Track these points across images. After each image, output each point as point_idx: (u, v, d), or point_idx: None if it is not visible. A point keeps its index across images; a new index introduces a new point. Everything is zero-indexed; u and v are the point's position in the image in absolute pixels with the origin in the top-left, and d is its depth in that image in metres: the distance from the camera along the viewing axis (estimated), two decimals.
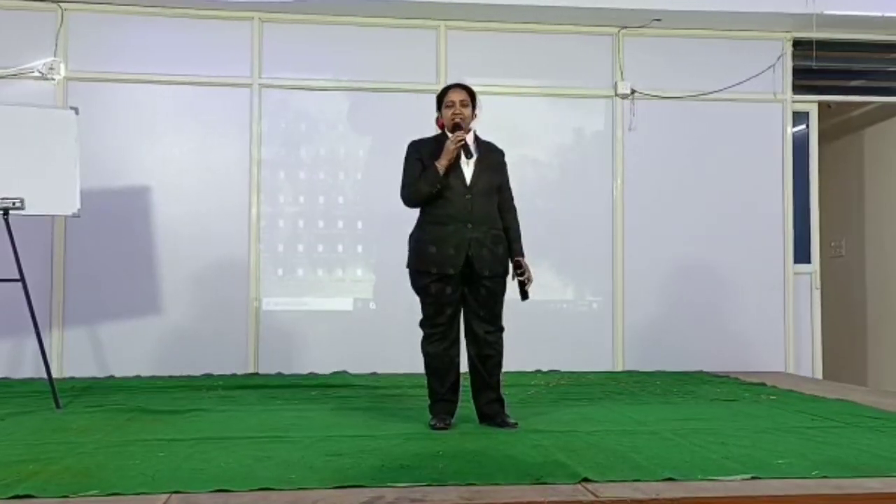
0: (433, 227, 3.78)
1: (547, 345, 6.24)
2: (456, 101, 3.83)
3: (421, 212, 3.88)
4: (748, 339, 6.49)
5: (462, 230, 3.74)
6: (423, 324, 3.88)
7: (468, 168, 3.81)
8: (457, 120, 3.80)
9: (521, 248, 3.94)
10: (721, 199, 6.52)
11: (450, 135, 3.80)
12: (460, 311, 3.86)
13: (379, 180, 6.23)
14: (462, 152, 3.77)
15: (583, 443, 3.41)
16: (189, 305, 6.06)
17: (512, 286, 3.89)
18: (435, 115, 3.97)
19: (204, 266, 6.08)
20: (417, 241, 3.84)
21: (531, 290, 3.90)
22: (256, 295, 6.15)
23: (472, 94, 3.89)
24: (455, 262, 3.72)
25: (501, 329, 3.89)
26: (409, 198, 3.85)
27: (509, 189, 3.99)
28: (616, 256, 6.45)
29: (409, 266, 3.89)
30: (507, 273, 3.89)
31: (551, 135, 6.52)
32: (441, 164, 3.73)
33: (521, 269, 3.87)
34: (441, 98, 3.92)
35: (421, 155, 3.83)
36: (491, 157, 3.90)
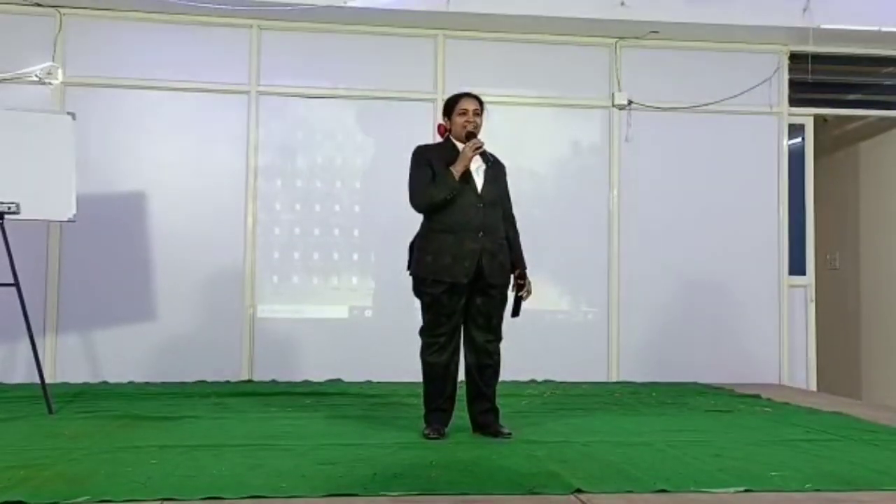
0: (444, 236, 3.74)
1: (542, 355, 6.23)
2: (469, 109, 3.85)
3: (427, 219, 3.84)
4: (743, 351, 6.49)
5: (476, 240, 3.72)
6: (423, 333, 3.85)
7: (479, 178, 3.81)
8: (469, 128, 3.82)
9: (523, 260, 3.95)
10: (716, 211, 6.53)
11: (457, 143, 3.82)
12: (461, 322, 3.85)
13: (376, 189, 6.24)
14: (480, 158, 3.77)
15: (577, 453, 3.41)
16: (183, 312, 6.04)
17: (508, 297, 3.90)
18: (435, 122, 3.98)
19: (199, 272, 6.06)
20: (427, 250, 3.78)
21: (523, 306, 3.92)
22: (251, 302, 6.13)
23: (482, 105, 3.91)
24: (469, 272, 3.71)
25: (500, 339, 3.89)
26: (421, 204, 3.80)
27: (510, 200, 4.00)
28: (612, 267, 6.45)
29: (414, 274, 3.85)
30: (509, 283, 3.89)
31: (548, 145, 6.53)
32: (457, 170, 3.72)
33: (522, 282, 3.88)
34: (451, 105, 3.91)
35: (429, 161, 3.82)
36: (497, 169, 3.91)
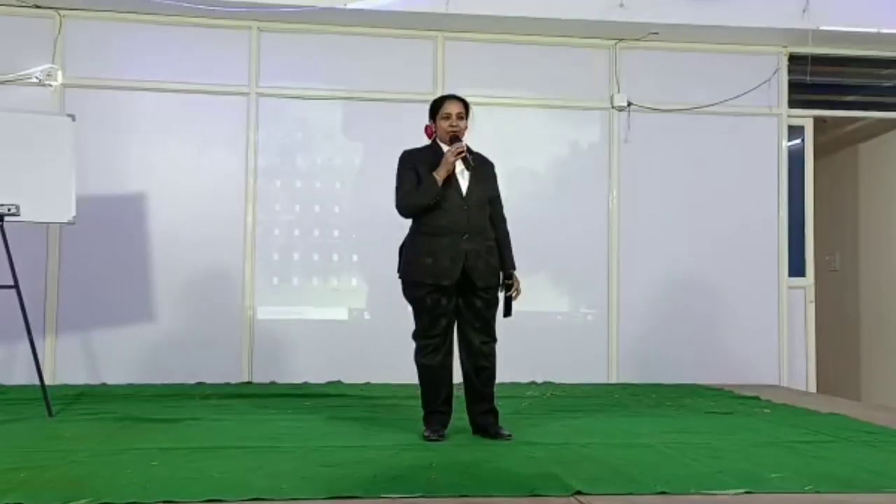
0: (429, 239, 3.76)
1: (541, 356, 6.23)
2: (453, 113, 3.83)
3: (415, 222, 3.86)
4: (742, 352, 6.49)
5: (459, 241, 3.73)
6: (416, 335, 3.86)
7: (464, 180, 3.81)
8: (453, 132, 3.81)
9: (512, 260, 3.95)
10: (716, 212, 6.54)
11: (443, 146, 3.83)
12: (454, 323, 3.85)
13: (375, 190, 6.22)
14: (462, 163, 3.77)
15: (576, 455, 3.41)
16: (183, 313, 6.04)
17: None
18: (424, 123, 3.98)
19: (198, 274, 6.06)
20: (413, 253, 3.81)
21: (515, 306, 3.93)
22: (251, 303, 6.13)
23: (467, 107, 3.90)
24: (452, 274, 3.71)
25: (495, 340, 3.89)
26: (405, 209, 3.83)
27: (500, 200, 4.00)
28: (611, 268, 6.46)
29: (402, 276, 3.87)
30: (499, 284, 3.89)
31: (547, 147, 6.53)
32: (439, 175, 3.72)
33: (511, 282, 3.89)
34: (436, 108, 3.91)
35: (415, 165, 3.82)
36: (484, 169, 3.91)
